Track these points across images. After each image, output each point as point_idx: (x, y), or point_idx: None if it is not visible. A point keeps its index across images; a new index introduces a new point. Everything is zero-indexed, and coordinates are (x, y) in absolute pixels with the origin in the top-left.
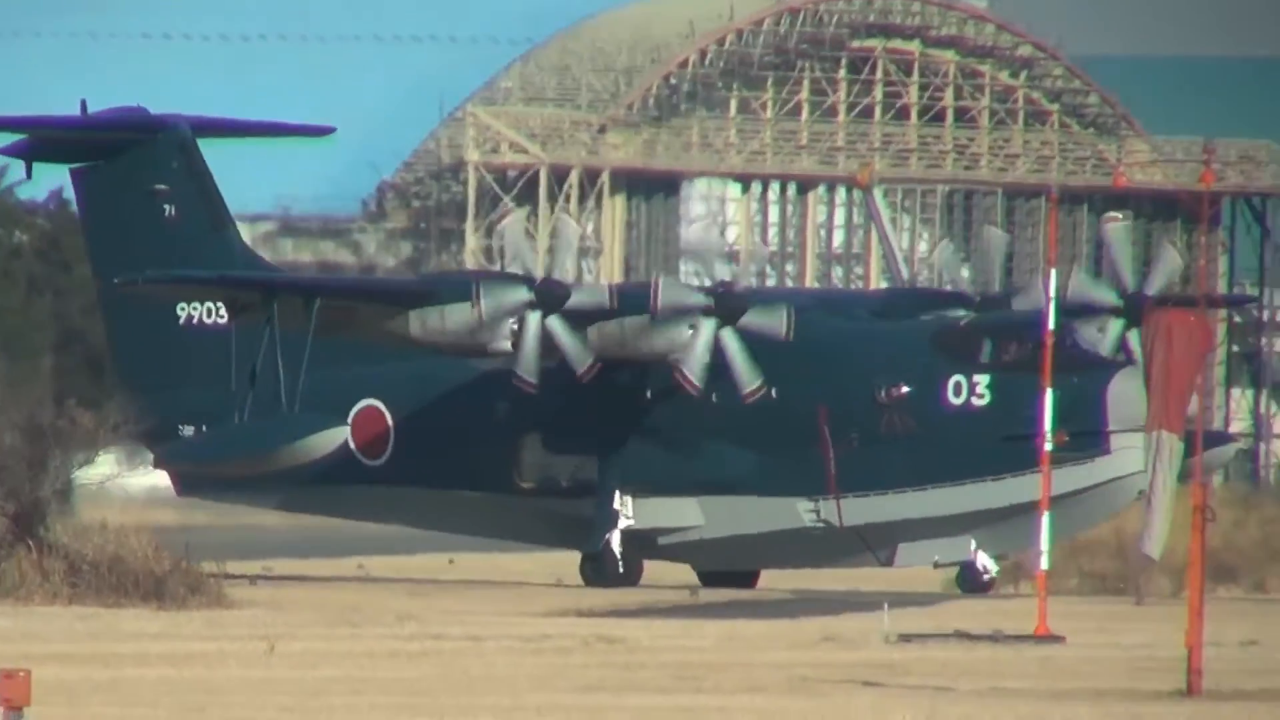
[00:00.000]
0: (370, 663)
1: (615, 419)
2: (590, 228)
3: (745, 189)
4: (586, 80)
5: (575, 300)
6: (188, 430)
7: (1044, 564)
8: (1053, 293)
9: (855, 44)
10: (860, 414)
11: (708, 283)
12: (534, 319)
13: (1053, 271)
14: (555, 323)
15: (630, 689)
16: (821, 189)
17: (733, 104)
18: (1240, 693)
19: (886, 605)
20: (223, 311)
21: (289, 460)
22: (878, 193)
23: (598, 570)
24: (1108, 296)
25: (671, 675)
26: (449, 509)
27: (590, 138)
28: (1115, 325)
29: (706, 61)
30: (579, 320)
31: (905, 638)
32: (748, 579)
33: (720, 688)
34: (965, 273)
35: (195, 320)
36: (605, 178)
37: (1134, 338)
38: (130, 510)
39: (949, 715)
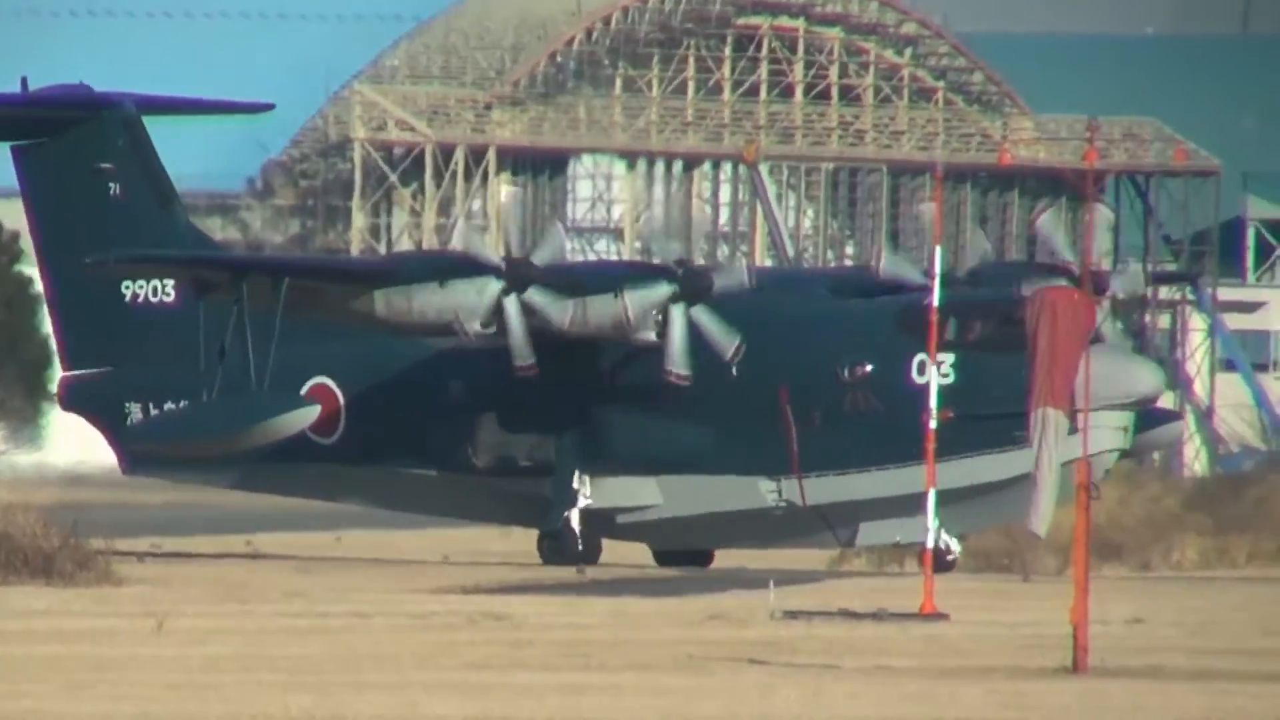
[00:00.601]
0: (258, 639)
1: (573, 397)
2: (476, 205)
3: (631, 166)
4: (473, 58)
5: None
6: (134, 408)
7: (929, 543)
8: (938, 270)
9: (740, 22)
10: (823, 393)
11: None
12: (679, 311)
13: (938, 249)
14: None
15: (517, 666)
16: (707, 166)
17: (619, 82)
18: (1125, 670)
19: (772, 583)
20: (169, 290)
21: (259, 439)
22: (763, 169)
23: (556, 549)
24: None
25: (559, 653)
26: (403, 488)
27: (476, 115)
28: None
29: (593, 39)
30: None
31: (791, 615)
32: (703, 558)
33: (607, 665)
34: (849, 249)
35: (142, 299)
36: (491, 155)
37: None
38: (18, 488)
39: (835, 693)
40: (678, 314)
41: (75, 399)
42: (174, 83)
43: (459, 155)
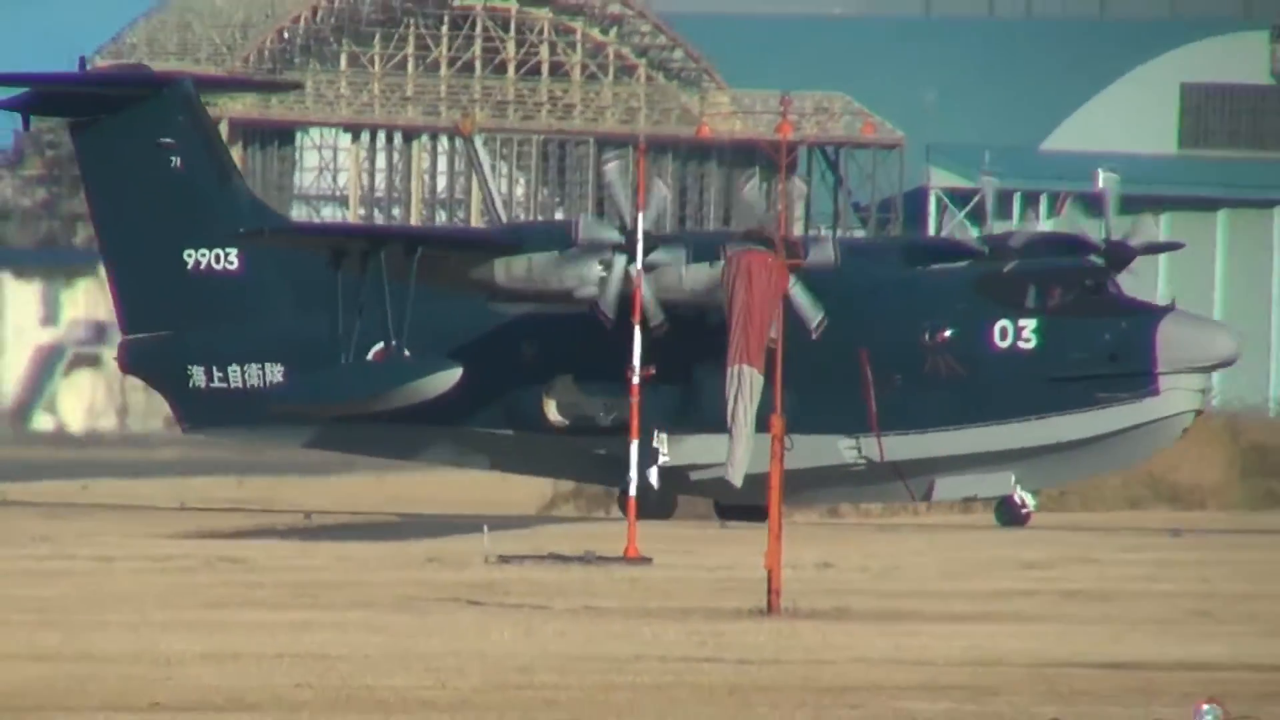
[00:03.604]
0: (6, 582)
1: (651, 359)
2: None
3: (355, 138)
4: (207, 36)
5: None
6: (196, 370)
7: (633, 490)
8: (640, 236)
9: (457, 3)
10: (904, 356)
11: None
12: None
13: (640, 215)
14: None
15: (250, 605)
16: (425, 138)
17: (343, 58)
18: (816, 612)
19: (486, 528)
20: (233, 259)
21: (402, 401)
22: (478, 141)
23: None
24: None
25: (288, 593)
26: (480, 447)
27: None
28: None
29: (318, 18)
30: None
31: (504, 559)
32: (761, 512)
33: (333, 604)
34: (559, 216)
35: (204, 266)
36: (224, 127)
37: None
38: None
39: (545, 632)
40: None
41: (136, 362)
42: None
43: None
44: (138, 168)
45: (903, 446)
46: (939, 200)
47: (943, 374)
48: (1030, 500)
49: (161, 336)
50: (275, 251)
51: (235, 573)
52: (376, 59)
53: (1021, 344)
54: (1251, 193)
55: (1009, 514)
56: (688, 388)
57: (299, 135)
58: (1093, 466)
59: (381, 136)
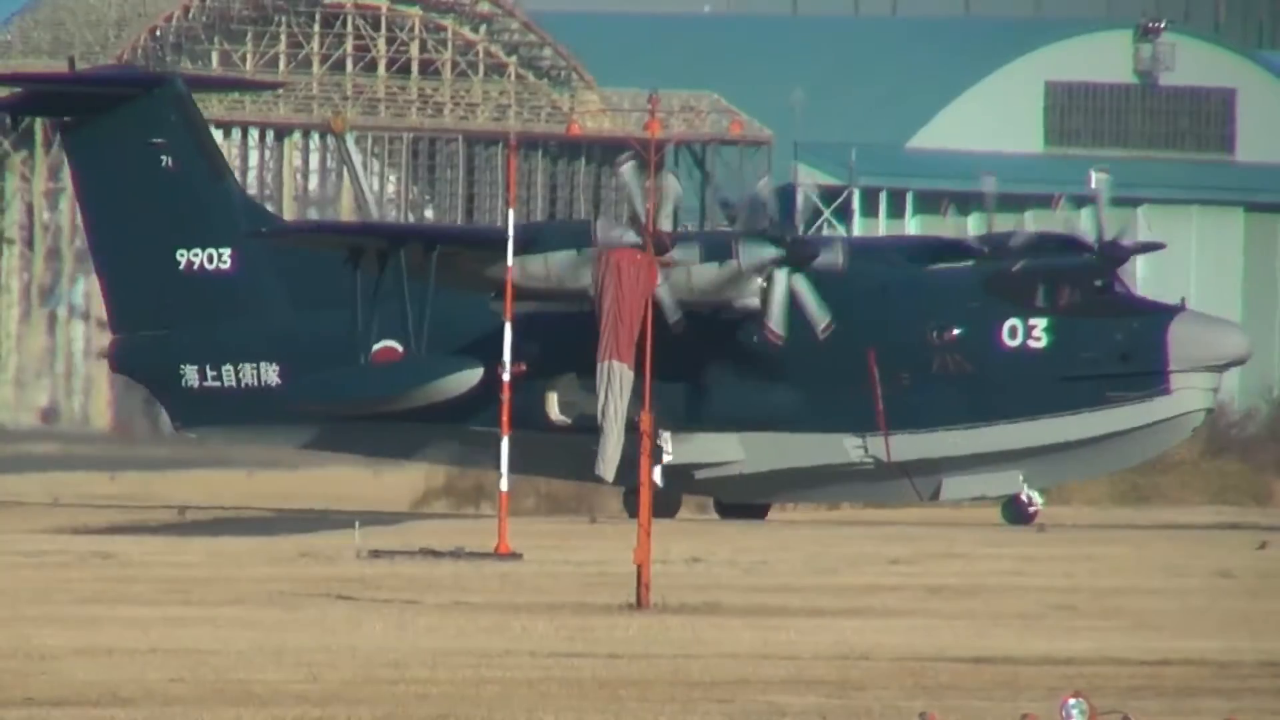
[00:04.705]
0: None
1: (659, 358)
2: None
3: (227, 134)
4: (80, 34)
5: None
6: (189, 369)
7: (504, 485)
8: (510, 231)
9: (328, 1)
10: (912, 355)
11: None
12: (783, 274)
13: (510, 211)
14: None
15: (124, 601)
16: (297, 135)
17: (215, 56)
18: (685, 606)
19: (358, 524)
20: (226, 258)
21: (423, 400)
22: (350, 139)
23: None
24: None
25: (162, 588)
26: (481, 446)
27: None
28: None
29: (190, 16)
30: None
31: (376, 554)
32: (761, 511)
33: (206, 600)
34: (429, 214)
35: (197, 266)
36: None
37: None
38: None
39: (417, 626)
40: (781, 277)
41: (126, 361)
42: None
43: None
44: (129, 167)
45: (910, 446)
46: (806, 197)
47: (951, 373)
48: (1038, 499)
49: (153, 335)
50: (268, 250)
51: (108, 568)
52: (248, 56)
53: (1032, 343)
54: (1115, 191)
55: (1016, 513)
56: (692, 386)
57: None
58: (1102, 465)
59: (254, 134)
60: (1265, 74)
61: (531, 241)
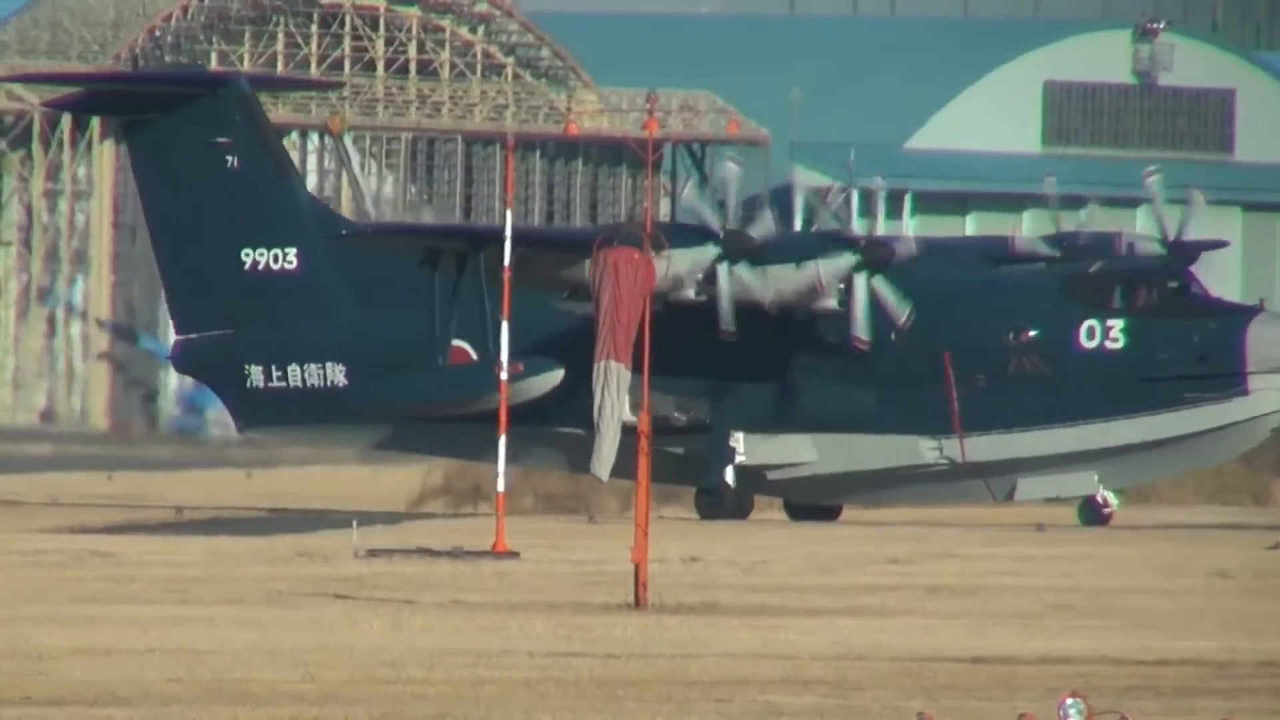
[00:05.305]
0: None
1: (730, 359)
2: (82, 171)
3: None
4: (79, 34)
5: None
6: (254, 370)
7: (501, 485)
8: (509, 231)
9: (326, 1)
10: (989, 357)
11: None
12: (863, 279)
13: (508, 212)
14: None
15: (121, 600)
16: (295, 135)
17: (213, 56)
18: (683, 606)
19: (355, 523)
20: (292, 258)
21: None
22: (348, 139)
23: (713, 504)
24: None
25: (159, 587)
26: (553, 447)
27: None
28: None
29: (189, 16)
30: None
31: (373, 553)
32: (833, 513)
33: (203, 599)
34: (428, 214)
35: (262, 266)
36: (95, 123)
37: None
38: None
39: (413, 625)
40: (861, 283)
41: (190, 361)
42: None
43: (65, 122)
44: (193, 167)
45: (986, 447)
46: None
47: (1028, 374)
48: (1114, 500)
49: (218, 336)
50: (335, 251)
51: (106, 568)
52: (246, 57)
53: (1109, 344)
54: (1114, 190)
55: (1091, 514)
56: (765, 387)
57: None
58: (1178, 466)
59: None
60: (1263, 74)
61: (611, 242)
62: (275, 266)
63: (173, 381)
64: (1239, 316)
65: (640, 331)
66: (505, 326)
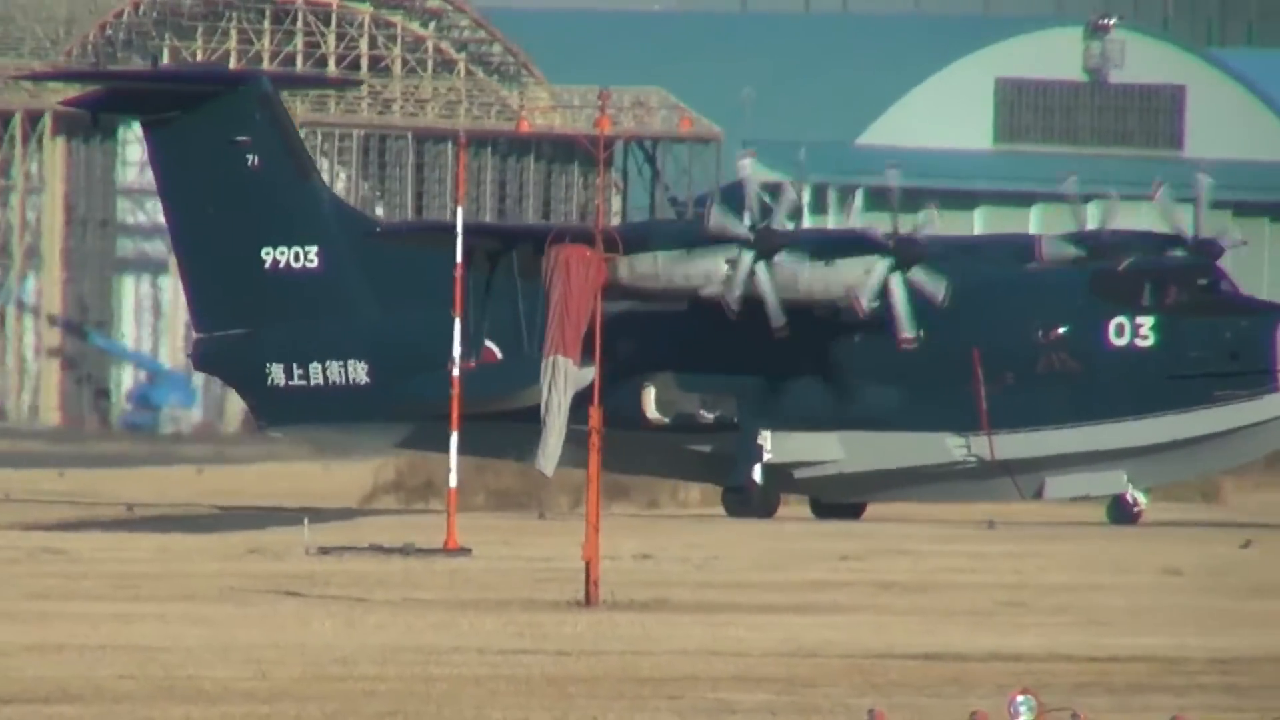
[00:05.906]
0: None
1: (756, 357)
2: (34, 168)
3: None
4: (30, 30)
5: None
6: (275, 368)
7: (453, 481)
8: (459, 227)
9: None
10: (1018, 354)
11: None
12: (898, 280)
13: (459, 209)
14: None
15: (74, 597)
16: None
17: (165, 52)
18: (634, 603)
19: (307, 520)
20: (313, 256)
21: (535, 399)
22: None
23: (740, 502)
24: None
25: (111, 584)
26: (583, 444)
27: (35, 83)
28: None
29: (140, 12)
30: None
31: (325, 550)
32: (857, 511)
33: (155, 596)
34: (379, 210)
35: (283, 265)
36: (46, 120)
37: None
38: None
39: (366, 623)
40: (898, 282)
41: (210, 360)
42: None
43: (17, 119)
44: (213, 166)
45: (1014, 445)
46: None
47: (1057, 371)
48: (1143, 499)
49: (238, 334)
50: (357, 249)
51: (58, 564)
52: (199, 53)
53: (1139, 342)
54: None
55: (1121, 512)
56: (791, 385)
57: (121, 129)
58: (1208, 464)
59: None
60: (1214, 70)
61: (641, 240)
62: (296, 265)
63: (125, 379)
64: (1270, 314)
65: (591, 327)
66: (458, 324)
